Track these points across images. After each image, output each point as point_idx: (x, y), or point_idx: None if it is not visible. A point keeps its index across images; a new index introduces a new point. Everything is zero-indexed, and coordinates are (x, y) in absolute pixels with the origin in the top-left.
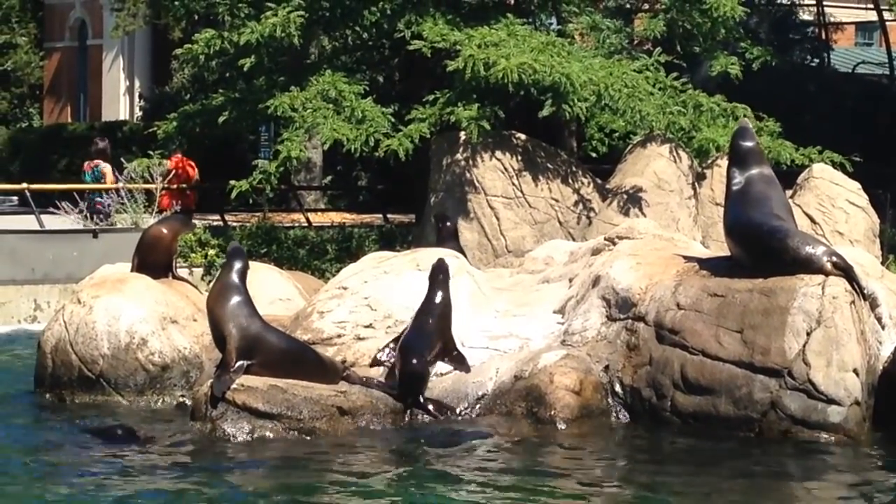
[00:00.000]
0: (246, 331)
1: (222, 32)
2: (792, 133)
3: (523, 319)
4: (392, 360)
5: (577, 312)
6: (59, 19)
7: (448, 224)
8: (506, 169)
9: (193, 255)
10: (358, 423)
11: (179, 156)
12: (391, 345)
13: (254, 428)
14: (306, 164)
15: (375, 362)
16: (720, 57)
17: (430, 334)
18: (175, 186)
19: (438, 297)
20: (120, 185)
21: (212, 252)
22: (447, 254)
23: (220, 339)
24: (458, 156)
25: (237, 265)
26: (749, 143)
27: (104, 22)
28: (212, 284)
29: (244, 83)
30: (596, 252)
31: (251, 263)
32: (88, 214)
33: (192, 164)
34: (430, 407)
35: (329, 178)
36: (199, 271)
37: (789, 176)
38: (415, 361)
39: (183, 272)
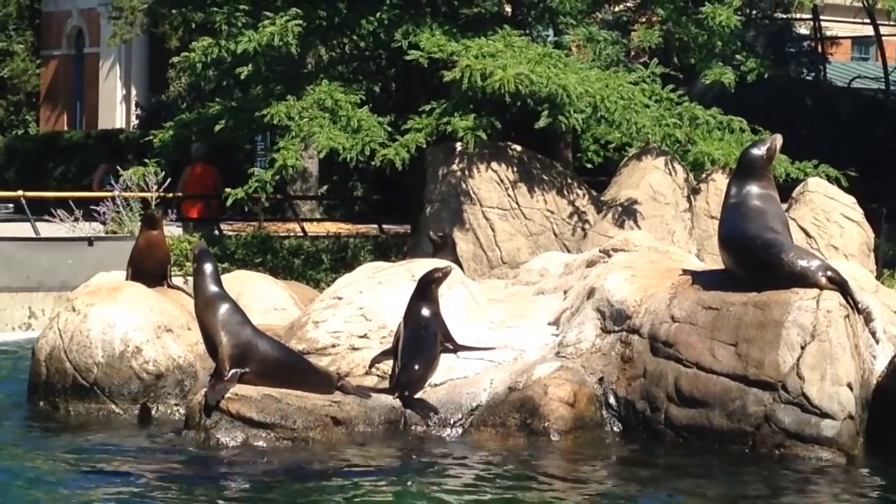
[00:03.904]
0: (237, 338)
1: (219, 41)
2: (787, 147)
3: (518, 331)
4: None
5: (572, 324)
6: (56, 27)
7: (446, 235)
8: (501, 180)
9: (188, 263)
10: (352, 433)
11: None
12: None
13: (247, 437)
14: (302, 173)
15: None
16: (714, 67)
17: (433, 337)
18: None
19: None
20: (115, 192)
21: None
22: (444, 265)
23: (212, 348)
24: (454, 166)
25: (208, 269)
26: (754, 154)
27: (101, 30)
28: (194, 292)
29: (241, 92)
30: (591, 264)
31: (245, 273)
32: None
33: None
34: (418, 407)
35: (325, 188)
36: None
37: (784, 190)
38: (417, 367)
39: (178, 281)
